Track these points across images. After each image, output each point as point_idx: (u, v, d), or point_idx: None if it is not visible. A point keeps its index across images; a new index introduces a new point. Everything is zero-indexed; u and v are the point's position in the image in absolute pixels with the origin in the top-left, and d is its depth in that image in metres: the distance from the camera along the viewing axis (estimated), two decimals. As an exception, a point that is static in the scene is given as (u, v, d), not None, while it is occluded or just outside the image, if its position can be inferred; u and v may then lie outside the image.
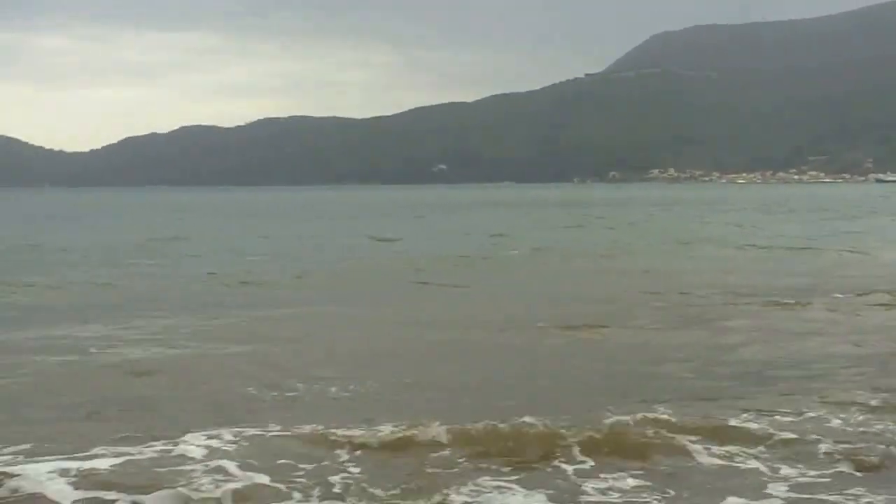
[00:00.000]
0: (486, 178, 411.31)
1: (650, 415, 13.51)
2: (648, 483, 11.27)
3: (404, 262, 41.93)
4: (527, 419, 13.25)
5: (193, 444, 12.40)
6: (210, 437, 12.72)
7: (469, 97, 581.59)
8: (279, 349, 20.03)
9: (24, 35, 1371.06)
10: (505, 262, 43.07)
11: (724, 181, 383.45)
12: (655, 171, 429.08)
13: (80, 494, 10.72)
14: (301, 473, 11.51)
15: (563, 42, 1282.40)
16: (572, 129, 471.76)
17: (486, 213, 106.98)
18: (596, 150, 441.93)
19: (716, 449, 12.35)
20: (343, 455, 12.16)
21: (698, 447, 12.36)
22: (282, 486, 11.06)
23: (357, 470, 11.63)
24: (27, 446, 12.40)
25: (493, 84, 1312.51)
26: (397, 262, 42.38)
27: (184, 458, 11.91)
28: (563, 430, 12.81)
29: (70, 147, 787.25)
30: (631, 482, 11.31)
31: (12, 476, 11.12)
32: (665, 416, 13.46)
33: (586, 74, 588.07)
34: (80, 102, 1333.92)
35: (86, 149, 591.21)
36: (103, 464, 11.67)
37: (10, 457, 11.95)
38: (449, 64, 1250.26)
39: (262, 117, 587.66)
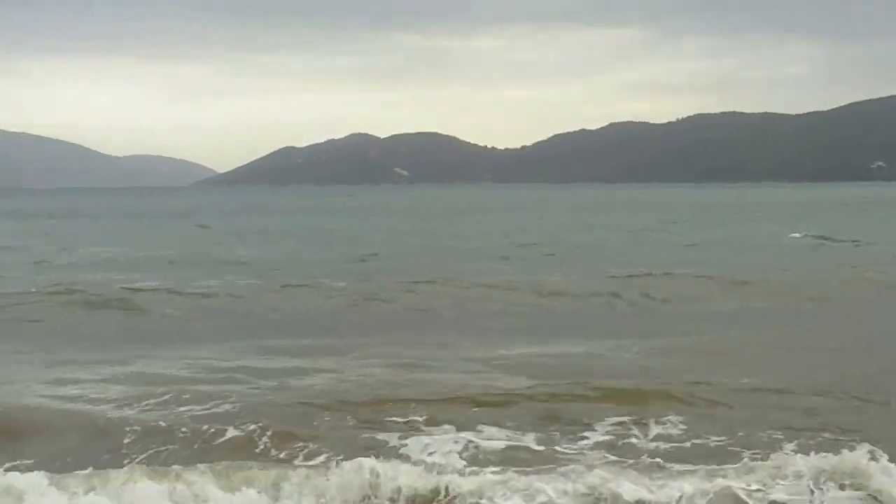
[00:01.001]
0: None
1: None
2: None
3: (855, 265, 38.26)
4: None
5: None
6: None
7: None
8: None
9: (462, 40, 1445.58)
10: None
11: None
12: None
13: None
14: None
15: None
16: None
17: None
18: None
19: None
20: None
21: None
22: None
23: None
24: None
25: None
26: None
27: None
28: None
29: (501, 144, 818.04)
30: None
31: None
32: None
33: None
34: (511, 101, 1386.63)
35: (517, 145, 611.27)
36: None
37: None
38: (889, 56, 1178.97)
39: (692, 113, 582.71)
